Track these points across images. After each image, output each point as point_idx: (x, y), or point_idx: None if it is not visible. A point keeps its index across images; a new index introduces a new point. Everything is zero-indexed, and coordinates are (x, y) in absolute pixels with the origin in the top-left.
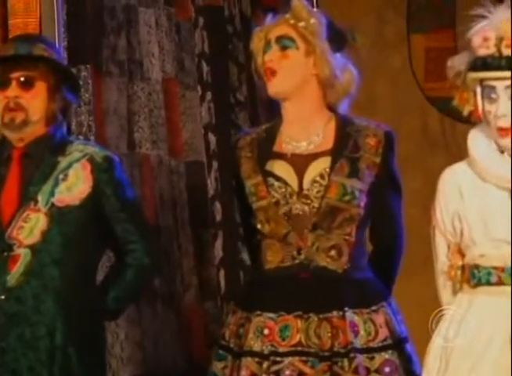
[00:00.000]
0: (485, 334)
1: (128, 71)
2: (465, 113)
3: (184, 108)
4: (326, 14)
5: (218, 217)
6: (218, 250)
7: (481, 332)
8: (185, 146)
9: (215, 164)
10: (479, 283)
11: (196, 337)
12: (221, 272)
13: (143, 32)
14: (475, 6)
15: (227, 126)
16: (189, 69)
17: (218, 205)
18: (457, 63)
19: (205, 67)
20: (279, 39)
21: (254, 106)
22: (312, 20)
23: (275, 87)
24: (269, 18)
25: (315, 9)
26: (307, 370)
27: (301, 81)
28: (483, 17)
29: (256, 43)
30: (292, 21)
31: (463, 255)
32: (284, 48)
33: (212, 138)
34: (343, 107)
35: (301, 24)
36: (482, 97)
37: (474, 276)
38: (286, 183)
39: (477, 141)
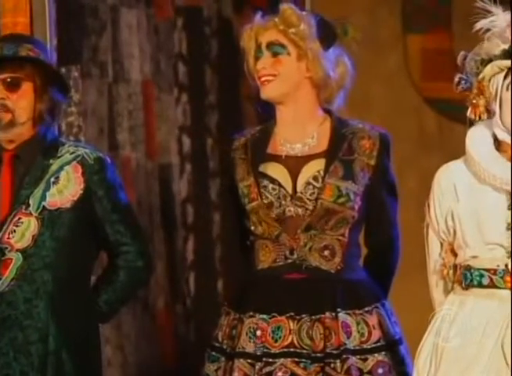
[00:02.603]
0: (477, 337)
1: (112, 72)
2: (481, 104)
3: (159, 110)
4: (316, 12)
5: (190, 219)
6: (189, 253)
7: (472, 335)
8: (159, 148)
9: (188, 167)
10: (471, 285)
11: (167, 339)
12: (192, 275)
13: (125, 33)
14: (471, 6)
15: (202, 128)
16: (165, 71)
17: (189, 208)
18: (485, 51)
19: (181, 69)
20: (269, 45)
21: (226, 109)
22: (302, 26)
23: (268, 92)
24: (258, 17)
25: (304, 12)
26: (299, 371)
27: (295, 85)
28: (489, 12)
29: (246, 42)
30: (281, 27)
31: (455, 254)
32: (276, 54)
33: (186, 140)
34: (338, 101)
35: (291, 30)
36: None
37: (466, 278)
38: (280, 185)
39: (476, 139)
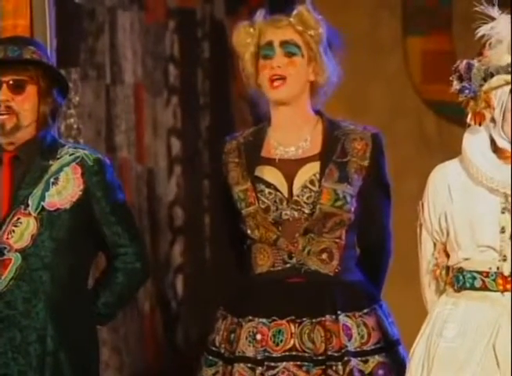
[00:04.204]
0: (469, 340)
1: (110, 74)
2: (487, 115)
3: (150, 113)
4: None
5: (178, 222)
6: (176, 255)
7: (464, 337)
8: (150, 151)
9: (177, 169)
10: (463, 287)
11: (154, 342)
12: (179, 278)
13: (120, 35)
14: (471, 8)
15: (192, 131)
16: (157, 74)
17: (178, 210)
18: (491, 61)
19: (172, 71)
20: (283, 44)
21: (216, 112)
22: (320, 30)
23: (281, 93)
24: (261, 15)
25: (319, 17)
26: (302, 374)
27: (302, 88)
28: (489, 17)
29: (243, 38)
30: (300, 27)
31: (448, 255)
32: (290, 54)
33: (176, 142)
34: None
35: (310, 32)
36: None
37: (459, 280)
38: (276, 189)
39: (473, 141)
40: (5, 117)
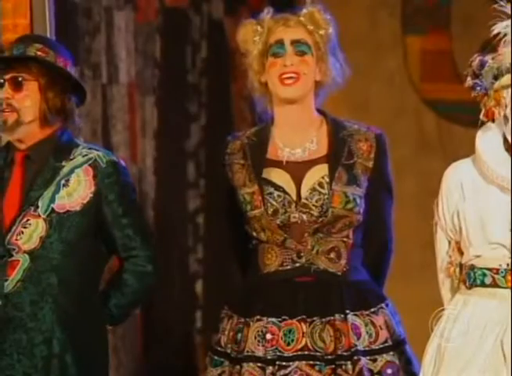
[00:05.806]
0: (476, 337)
1: (106, 73)
2: (497, 112)
3: (141, 113)
4: None
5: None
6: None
7: (472, 334)
8: (141, 151)
9: (151, 169)
10: (474, 284)
11: (149, 341)
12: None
13: (116, 34)
14: (470, 8)
15: (175, 131)
16: (148, 74)
17: (150, 212)
18: (503, 59)
19: (155, 71)
20: (295, 43)
21: (211, 112)
22: (330, 30)
23: (293, 92)
24: (269, 13)
25: (329, 17)
26: (314, 374)
27: (311, 87)
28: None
29: (251, 35)
30: (311, 27)
31: (462, 253)
32: (301, 53)
33: (151, 143)
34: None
35: (320, 32)
36: None
37: (470, 277)
38: (285, 192)
39: (485, 140)
40: (6, 113)
